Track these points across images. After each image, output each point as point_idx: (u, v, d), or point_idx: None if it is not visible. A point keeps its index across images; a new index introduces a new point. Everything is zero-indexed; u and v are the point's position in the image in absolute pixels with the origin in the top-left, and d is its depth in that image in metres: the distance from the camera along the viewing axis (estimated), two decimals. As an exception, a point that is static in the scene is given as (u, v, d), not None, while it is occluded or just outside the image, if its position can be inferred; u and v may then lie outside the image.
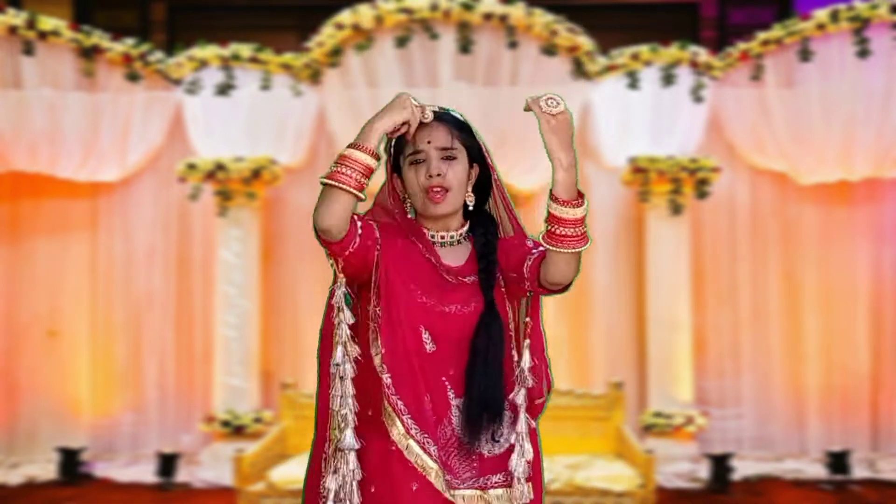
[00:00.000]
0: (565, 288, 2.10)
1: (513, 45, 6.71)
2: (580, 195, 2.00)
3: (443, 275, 2.10)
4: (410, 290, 2.07)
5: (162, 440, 6.98)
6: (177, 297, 7.22)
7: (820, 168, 6.92)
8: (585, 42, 6.82)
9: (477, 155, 2.16)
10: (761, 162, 7.10)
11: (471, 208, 2.15)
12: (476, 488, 2.05)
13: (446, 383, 2.06)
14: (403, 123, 2.07)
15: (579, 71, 6.84)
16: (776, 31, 6.81)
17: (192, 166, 6.73)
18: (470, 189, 2.15)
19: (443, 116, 2.13)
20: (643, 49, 6.84)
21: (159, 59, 6.97)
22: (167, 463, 6.36)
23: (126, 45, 6.87)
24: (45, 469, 6.71)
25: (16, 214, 7.23)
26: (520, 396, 2.10)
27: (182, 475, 6.44)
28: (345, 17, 6.73)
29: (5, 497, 6.17)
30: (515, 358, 2.13)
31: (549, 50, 6.75)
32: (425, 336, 2.06)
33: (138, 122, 6.98)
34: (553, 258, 2.03)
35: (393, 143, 2.16)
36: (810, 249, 7.15)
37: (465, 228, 2.17)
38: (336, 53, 6.79)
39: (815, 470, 6.64)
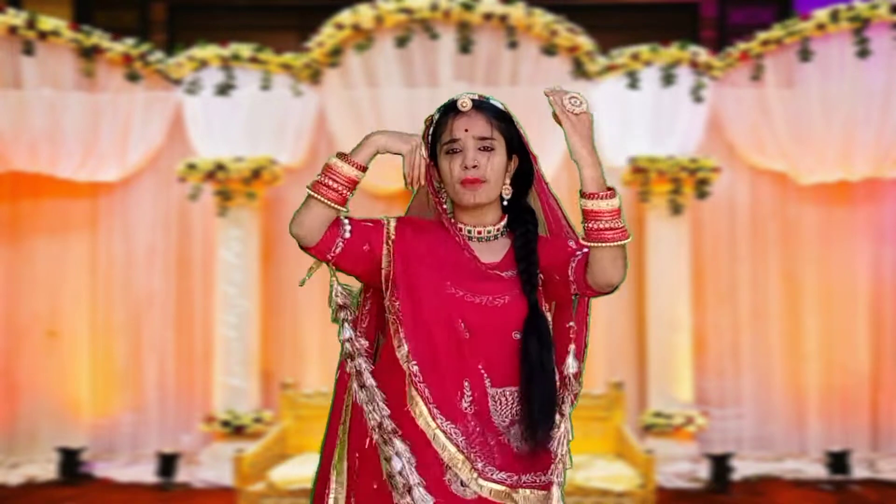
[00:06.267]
0: (615, 288, 2.04)
1: (513, 45, 6.71)
2: (610, 188, 1.97)
3: (478, 266, 2.06)
4: (437, 281, 2.03)
5: (162, 440, 6.98)
6: (177, 297, 7.22)
7: (820, 168, 6.92)
8: (585, 42, 6.82)
9: (517, 146, 2.10)
10: (761, 162, 7.10)
11: (505, 202, 2.10)
12: (506, 485, 2.00)
13: (482, 371, 2.01)
14: (399, 154, 2.06)
15: (579, 71, 6.84)
16: (776, 31, 6.81)
17: (192, 166, 6.72)
18: (508, 181, 2.09)
19: (482, 104, 2.07)
20: (643, 49, 6.84)
21: (159, 59, 6.97)
22: (167, 463, 6.35)
23: (126, 45, 6.87)
24: (45, 469, 6.70)
25: (16, 214, 7.23)
26: (566, 403, 2.08)
27: (182, 475, 6.44)
28: (345, 17, 6.73)
29: (5, 497, 6.17)
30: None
31: (549, 50, 6.75)
32: (461, 325, 2.01)
33: (138, 122, 6.98)
34: (596, 256, 1.96)
35: (431, 131, 2.09)
36: (810, 249, 7.15)
37: (503, 223, 2.11)
38: (336, 53, 6.79)
39: (815, 470, 6.64)
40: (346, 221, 2.04)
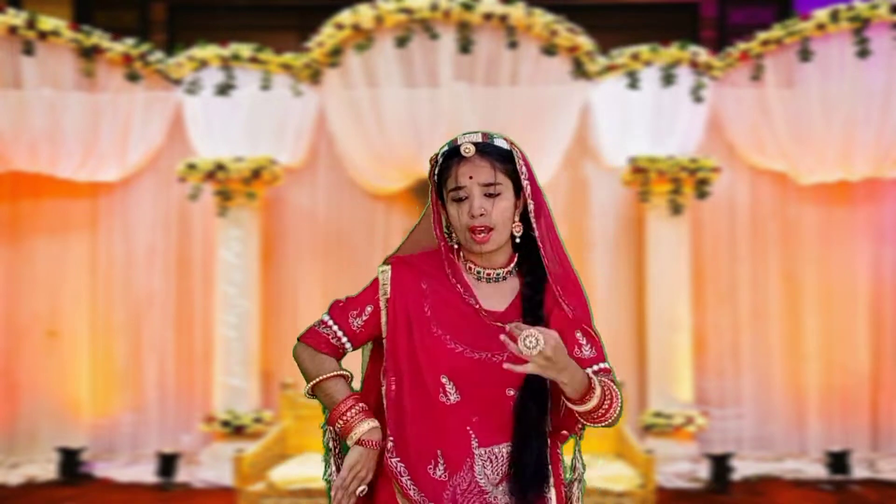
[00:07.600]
0: None
1: (513, 45, 6.71)
2: (588, 390, 1.91)
3: (480, 318, 2.02)
4: (435, 337, 2.00)
5: (162, 440, 6.99)
6: (177, 297, 7.22)
7: (820, 168, 6.92)
8: (585, 42, 6.81)
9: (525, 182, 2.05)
10: (761, 162, 7.10)
11: (517, 240, 2.05)
12: None
13: (470, 432, 1.98)
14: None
15: (579, 71, 6.84)
16: (776, 31, 6.81)
17: (192, 166, 6.72)
18: (517, 219, 2.04)
19: (485, 148, 2.00)
20: (643, 49, 6.84)
21: (159, 59, 6.97)
22: (167, 463, 6.36)
23: (126, 45, 6.87)
24: (45, 469, 6.71)
25: (16, 214, 7.23)
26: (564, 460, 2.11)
27: (182, 475, 6.44)
28: (345, 17, 6.73)
29: (5, 497, 6.17)
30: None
31: (549, 50, 6.75)
32: (449, 387, 1.98)
33: (138, 122, 6.98)
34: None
35: (436, 173, 2.05)
36: (810, 249, 7.16)
37: (513, 264, 2.07)
38: (336, 53, 6.79)
39: (815, 470, 6.64)
40: (346, 340, 2.19)
